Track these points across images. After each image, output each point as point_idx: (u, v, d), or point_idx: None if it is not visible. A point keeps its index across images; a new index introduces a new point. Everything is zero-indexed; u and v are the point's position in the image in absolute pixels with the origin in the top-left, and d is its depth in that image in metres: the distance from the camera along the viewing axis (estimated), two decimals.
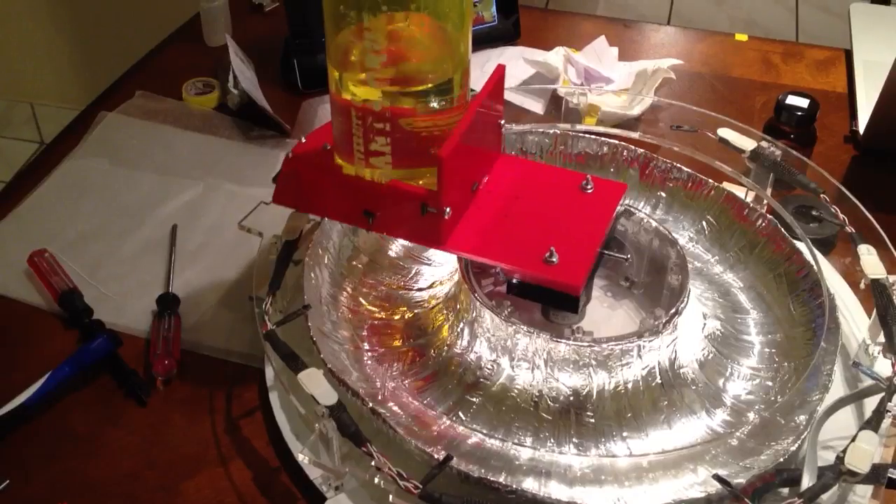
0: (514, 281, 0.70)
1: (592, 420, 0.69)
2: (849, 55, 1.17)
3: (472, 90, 0.71)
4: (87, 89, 1.12)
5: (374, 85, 0.64)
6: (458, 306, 0.74)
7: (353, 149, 0.68)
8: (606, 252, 0.75)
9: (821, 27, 1.47)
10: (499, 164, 0.76)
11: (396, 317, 0.77)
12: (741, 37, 1.21)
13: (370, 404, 0.65)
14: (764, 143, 0.84)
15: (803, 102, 0.93)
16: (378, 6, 0.62)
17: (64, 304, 0.80)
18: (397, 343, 0.75)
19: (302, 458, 0.64)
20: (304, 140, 0.73)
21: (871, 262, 0.75)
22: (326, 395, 0.63)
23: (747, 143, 0.85)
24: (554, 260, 0.68)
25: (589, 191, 0.74)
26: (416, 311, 0.77)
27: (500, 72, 0.71)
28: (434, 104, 0.66)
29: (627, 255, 0.77)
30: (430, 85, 0.66)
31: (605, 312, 0.78)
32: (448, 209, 0.67)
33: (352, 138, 0.67)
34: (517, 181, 0.74)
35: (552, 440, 0.68)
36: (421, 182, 0.68)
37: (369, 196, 0.69)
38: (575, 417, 0.69)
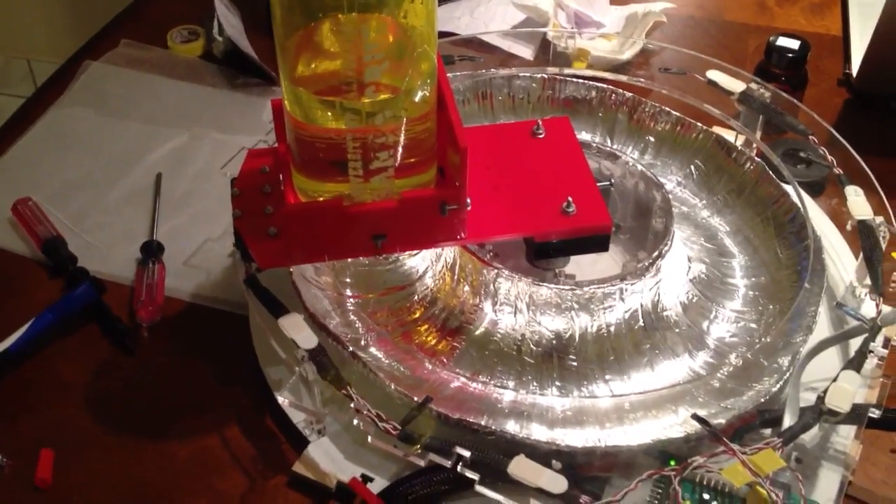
0: (535, 246, 0.68)
1: (575, 363, 0.68)
2: None
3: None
4: (81, 42, 1.11)
5: (371, 97, 0.57)
6: (440, 252, 0.73)
7: (349, 174, 0.61)
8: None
9: None
10: None
11: (379, 264, 0.76)
12: None
13: (350, 348, 0.65)
14: (753, 85, 0.83)
15: (794, 44, 0.91)
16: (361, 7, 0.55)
17: (48, 252, 0.80)
18: (380, 289, 0.74)
19: (282, 400, 0.65)
20: (237, 192, 0.66)
21: (858, 203, 0.74)
22: (307, 339, 0.62)
23: (736, 85, 0.83)
24: (572, 210, 0.67)
25: (541, 135, 0.73)
26: (398, 257, 0.77)
27: None
28: (418, 97, 0.60)
29: (609, 179, 0.77)
30: (423, 80, 0.58)
31: (591, 257, 0.76)
32: (469, 200, 0.65)
33: (346, 164, 0.60)
34: (474, 151, 0.69)
35: (535, 384, 0.68)
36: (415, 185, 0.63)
37: (379, 218, 0.63)
38: (558, 361, 0.69)
